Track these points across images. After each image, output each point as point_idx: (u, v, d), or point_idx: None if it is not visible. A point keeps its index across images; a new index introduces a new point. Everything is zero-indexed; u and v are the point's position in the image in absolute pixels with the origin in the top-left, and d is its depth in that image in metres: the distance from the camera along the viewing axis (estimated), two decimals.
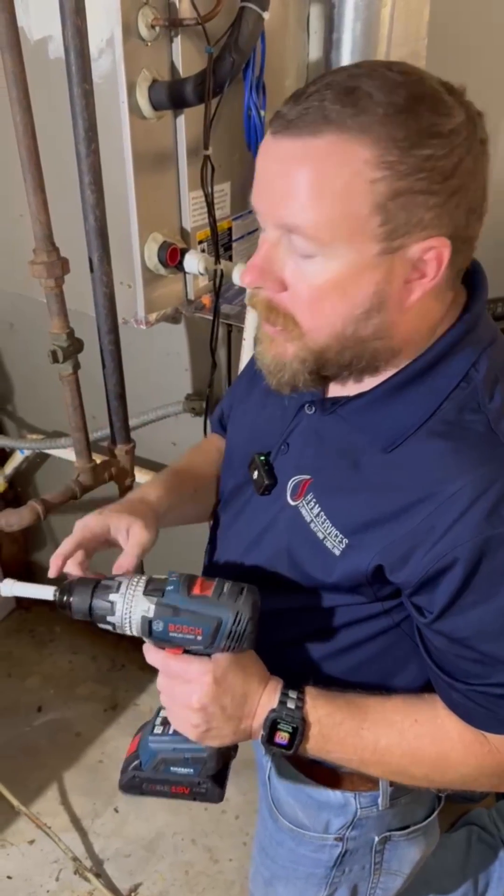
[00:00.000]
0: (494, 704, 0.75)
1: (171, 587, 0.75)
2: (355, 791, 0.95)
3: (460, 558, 0.69)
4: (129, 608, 0.74)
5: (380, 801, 0.96)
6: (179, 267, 1.28)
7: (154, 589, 0.75)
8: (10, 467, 2.08)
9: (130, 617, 0.74)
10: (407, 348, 0.75)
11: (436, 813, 1.04)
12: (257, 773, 1.13)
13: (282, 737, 0.77)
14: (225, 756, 0.83)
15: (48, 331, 1.19)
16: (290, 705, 0.78)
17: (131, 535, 0.85)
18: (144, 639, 0.77)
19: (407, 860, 1.05)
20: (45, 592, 0.78)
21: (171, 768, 0.82)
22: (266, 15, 1.15)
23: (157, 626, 0.74)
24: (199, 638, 0.74)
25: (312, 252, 0.67)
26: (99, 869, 1.81)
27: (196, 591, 0.75)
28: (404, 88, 0.63)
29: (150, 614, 0.74)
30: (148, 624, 0.74)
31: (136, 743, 0.85)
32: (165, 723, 0.84)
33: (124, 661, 2.31)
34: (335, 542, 0.78)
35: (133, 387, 1.32)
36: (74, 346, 1.18)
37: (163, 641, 0.76)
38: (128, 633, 0.76)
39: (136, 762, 0.83)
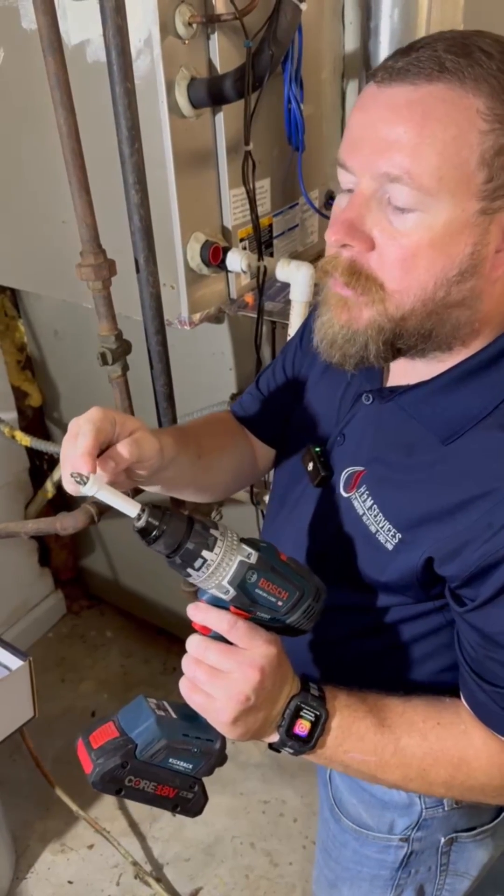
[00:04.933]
0: None
1: (265, 545, 0.70)
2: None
3: None
4: (231, 548, 0.68)
5: (445, 801, 0.94)
6: (222, 266, 1.27)
7: (250, 542, 0.70)
8: (58, 474, 2.10)
9: (229, 559, 0.68)
10: (484, 329, 0.73)
11: None
12: (316, 774, 1.12)
13: (302, 726, 0.73)
14: (220, 760, 0.75)
15: (94, 335, 1.19)
16: (314, 692, 0.75)
17: (132, 442, 0.75)
18: (215, 593, 0.69)
19: (474, 862, 1.03)
20: (131, 509, 0.68)
21: (171, 759, 0.71)
22: (304, 6, 1.14)
23: (251, 577, 0.68)
24: (281, 603, 0.69)
25: (413, 204, 0.65)
26: (159, 873, 1.82)
27: (283, 557, 0.72)
28: None
29: (252, 560, 0.68)
30: (244, 571, 0.68)
31: (106, 731, 0.72)
32: (160, 707, 0.75)
33: (175, 664, 2.30)
34: (388, 537, 0.77)
35: (178, 388, 1.32)
36: (123, 348, 1.18)
37: (244, 596, 0.69)
38: (204, 577, 0.67)
39: (126, 748, 0.70)
